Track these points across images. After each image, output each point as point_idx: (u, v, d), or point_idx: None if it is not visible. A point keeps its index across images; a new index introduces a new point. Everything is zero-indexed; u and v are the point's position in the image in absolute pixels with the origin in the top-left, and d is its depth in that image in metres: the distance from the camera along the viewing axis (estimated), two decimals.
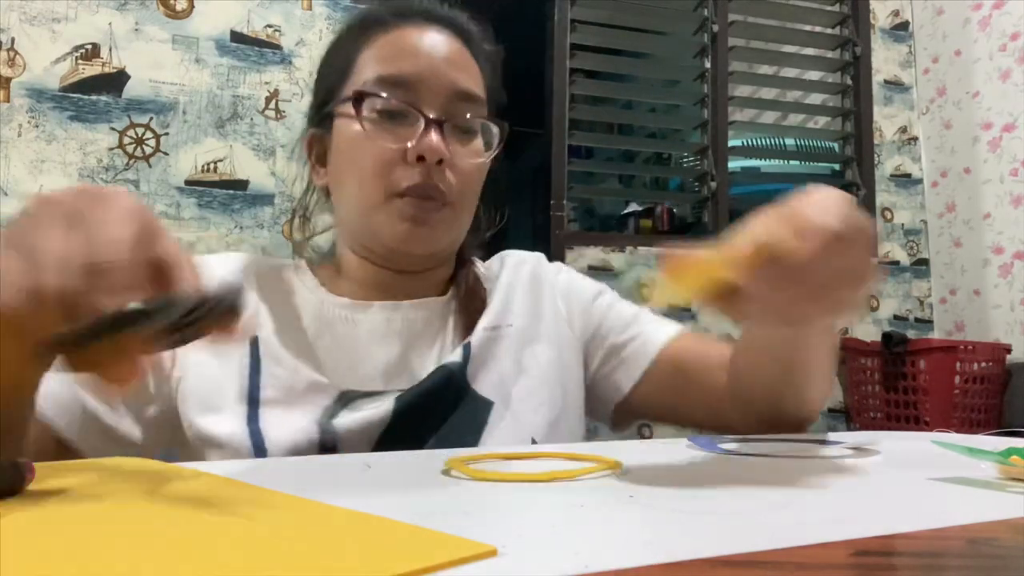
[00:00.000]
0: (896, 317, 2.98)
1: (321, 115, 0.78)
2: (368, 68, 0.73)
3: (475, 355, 0.74)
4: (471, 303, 0.80)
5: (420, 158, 0.70)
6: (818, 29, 3.11)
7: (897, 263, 3.01)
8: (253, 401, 0.67)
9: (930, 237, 3.07)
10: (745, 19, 2.92)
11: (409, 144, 0.70)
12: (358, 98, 0.71)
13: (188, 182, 2.16)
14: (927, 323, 3.03)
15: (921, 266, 3.05)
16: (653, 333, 0.80)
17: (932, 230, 3.07)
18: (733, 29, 2.88)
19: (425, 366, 0.73)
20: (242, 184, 2.21)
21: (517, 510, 0.35)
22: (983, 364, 2.58)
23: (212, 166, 2.19)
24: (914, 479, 0.42)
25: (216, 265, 0.77)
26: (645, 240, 2.72)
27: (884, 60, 3.10)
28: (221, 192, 2.19)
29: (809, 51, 3.11)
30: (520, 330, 0.78)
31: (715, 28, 2.83)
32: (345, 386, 0.69)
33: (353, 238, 0.78)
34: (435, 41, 0.74)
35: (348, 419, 0.66)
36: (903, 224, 3.04)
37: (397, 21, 0.75)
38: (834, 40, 3.08)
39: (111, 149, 2.10)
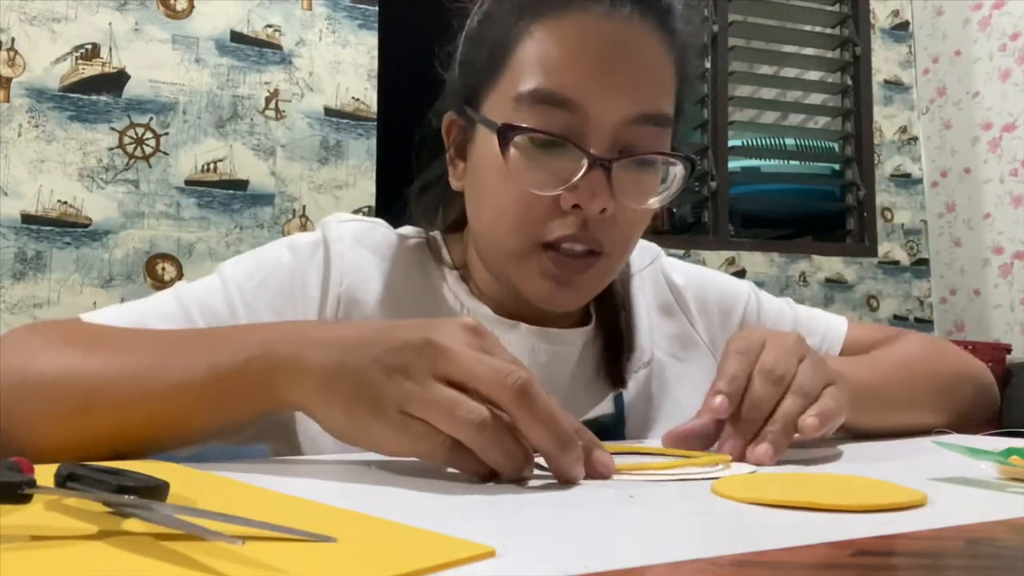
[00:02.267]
0: (896, 317, 2.98)
1: (463, 102, 0.63)
2: (526, 70, 0.57)
3: (630, 408, 0.68)
4: (616, 335, 0.70)
5: (577, 205, 0.57)
6: (818, 29, 3.11)
7: (897, 263, 3.01)
8: None
9: (930, 237, 3.07)
10: (745, 19, 2.92)
11: (564, 189, 0.57)
12: (505, 131, 0.56)
13: (188, 182, 2.16)
14: (927, 323, 3.03)
15: (921, 266, 3.05)
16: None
17: (932, 230, 3.07)
18: (733, 29, 2.88)
19: (569, 405, 0.65)
20: (242, 184, 2.21)
21: (517, 510, 0.35)
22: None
23: (212, 166, 2.19)
24: (914, 479, 0.42)
25: (357, 244, 0.66)
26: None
27: (884, 60, 3.10)
28: (221, 192, 2.19)
29: (809, 51, 3.11)
30: (664, 364, 0.72)
31: (715, 28, 2.83)
32: None
33: (487, 264, 0.66)
34: (618, 37, 0.57)
35: None
36: (903, 224, 3.04)
37: (568, 1, 0.57)
38: (834, 40, 3.08)
39: (111, 149, 2.10)
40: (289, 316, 0.63)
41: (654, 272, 0.77)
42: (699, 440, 0.53)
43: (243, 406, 0.48)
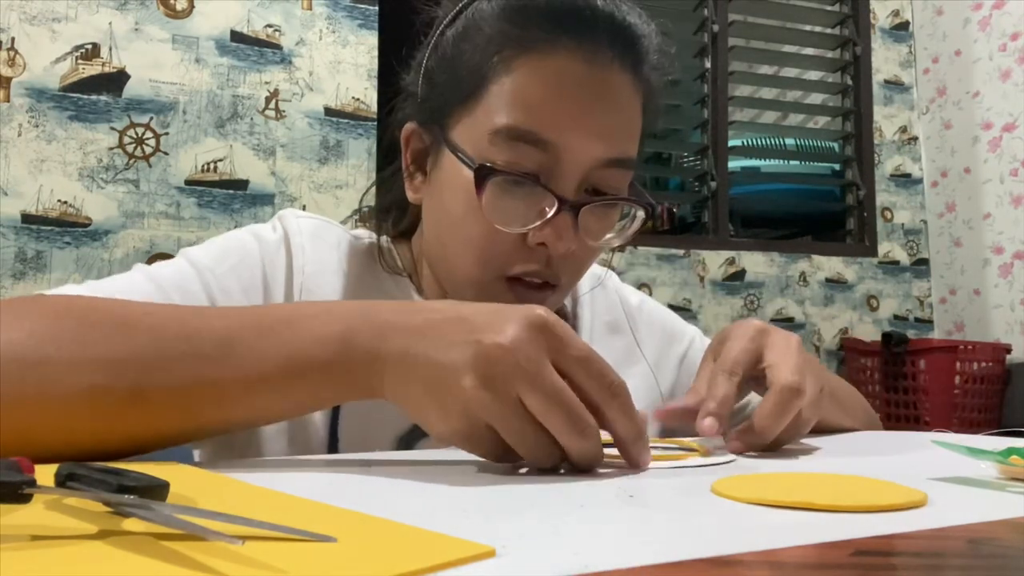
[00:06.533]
0: (896, 317, 2.98)
1: (428, 119, 0.63)
2: (504, 104, 0.57)
3: None
4: None
5: (542, 243, 0.59)
6: (818, 29, 3.11)
7: (897, 263, 3.01)
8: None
9: (930, 237, 3.07)
10: (745, 19, 2.93)
11: (532, 227, 0.58)
12: (480, 173, 0.57)
13: (188, 182, 2.16)
14: (927, 323, 3.03)
15: (921, 266, 3.05)
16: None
17: (932, 230, 3.07)
18: (733, 29, 2.88)
19: None
20: (242, 184, 2.21)
21: (517, 510, 0.35)
22: (983, 364, 2.59)
23: (212, 166, 2.19)
24: (914, 479, 0.42)
25: (315, 239, 0.66)
26: (645, 240, 2.72)
27: (884, 60, 3.10)
28: (221, 192, 2.19)
29: (809, 51, 3.12)
30: None
31: (715, 28, 2.83)
32: None
33: (442, 282, 0.67)
34: (597, 82, 0.58)
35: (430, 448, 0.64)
36: (903, 224, 3.04)
37: (558, 39, 0.57)
38: (834, 40, 3.08)
39: (111, 149, 2.10)
40: (258, 302, 0.62)
41: (606, 292, 0.80)
42: (691, 416, 0.55)
43: (321, 397, 0.47)
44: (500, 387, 0.40)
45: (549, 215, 0.57)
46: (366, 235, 0.71)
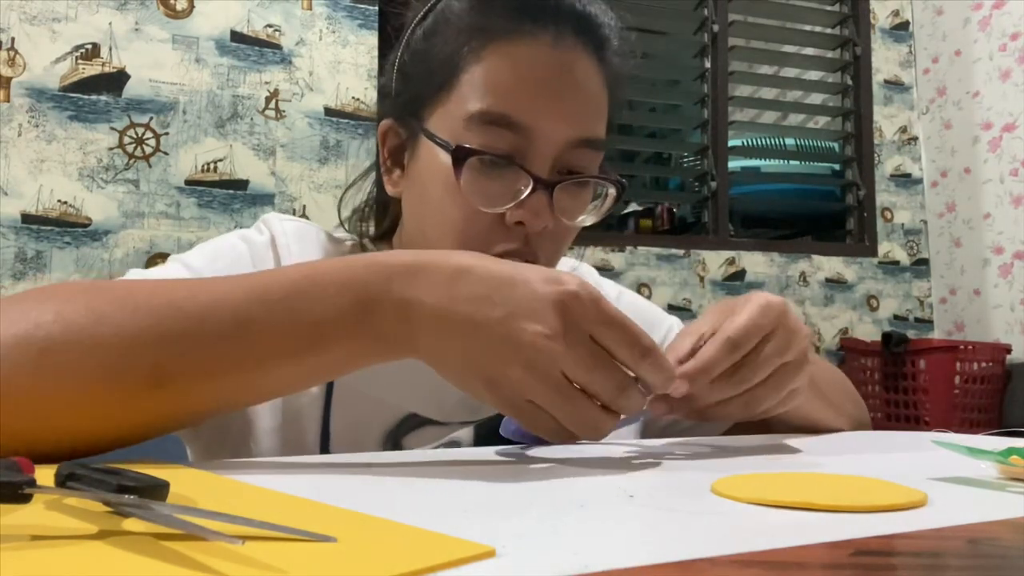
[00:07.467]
0: (896, 317, 2.98)
1: (404, 112, 0.66)
2: (476, 91, 0.60)
3: None
4: None
5: (520, 222, 0.60)
6: (818, 29, 3.11)
7: (897, 263, 3.01)
8: (328, 392, 0.64)
9: (930, 237, 3.07)
10: (745, 19, 2.93)
11: (510, 206, 0.60)
12: (459, 152, 0.59)
13: (188, 182, 2.16)
14: (927, 323, 3.03)
15: (921, 266, 3.05)
16: None
17: (932, 230, 3.07)
18: (733, 29, 2.88)
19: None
20: (242, 184, 2.21)
21: (517, 510, 0.35)
22: (983, 364, 2.58)
23: (212, 166, 2.19)
24: (914, 479, 0.42)
25: (300, 240, 0.68)
26: (645, 240, 2.72)
27: (884, 60, 3.10)
28: (221, 192, 2.19)
29: (809, 51, 3.12)
30: None
31: (715, 28, 2.83)
32: (410, 409, 0.66)
33: None
34: (563, 66, 0.60)
35: (418, 442, 0.65)
36: (903, 224, 3.04)
37: (523, 27, 0.60)
38: (834, 40, 3.08)
39: (111, 149, 2.10)
40: None
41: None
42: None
43: (348, 362, 0.47)
44: (545, 371, 0.44)
45: (525, 194, 0.59)
46: (346, 237, 0.73)
